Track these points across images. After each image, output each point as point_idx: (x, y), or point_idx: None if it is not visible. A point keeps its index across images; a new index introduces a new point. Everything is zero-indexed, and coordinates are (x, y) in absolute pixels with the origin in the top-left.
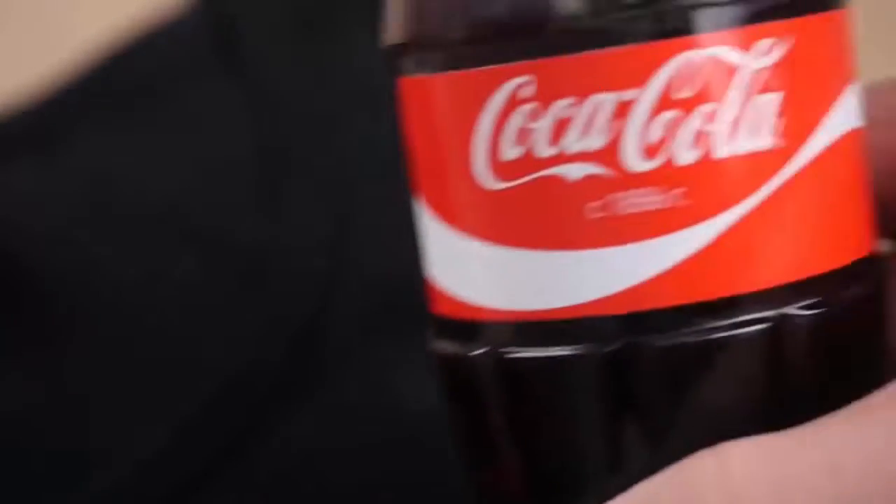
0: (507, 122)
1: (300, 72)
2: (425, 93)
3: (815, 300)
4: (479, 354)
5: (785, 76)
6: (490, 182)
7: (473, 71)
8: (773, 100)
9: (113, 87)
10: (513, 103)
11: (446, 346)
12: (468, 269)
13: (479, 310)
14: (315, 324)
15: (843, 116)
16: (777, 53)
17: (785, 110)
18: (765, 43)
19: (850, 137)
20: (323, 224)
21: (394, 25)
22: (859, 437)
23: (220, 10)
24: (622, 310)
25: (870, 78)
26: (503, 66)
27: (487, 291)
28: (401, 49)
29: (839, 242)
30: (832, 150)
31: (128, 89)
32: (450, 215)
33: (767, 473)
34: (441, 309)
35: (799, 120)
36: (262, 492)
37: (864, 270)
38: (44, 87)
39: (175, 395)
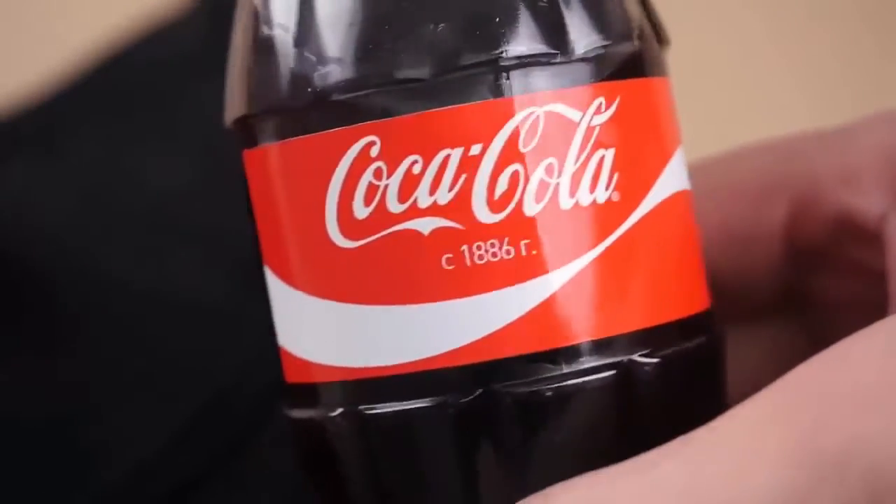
0: (357, 180)
1: None
2: (271, 162)
3: (658, 349)
4: (338, 414)
5: (617, 134)
6: (342, 241)
7: (322, 134)
8: (608, 156)
9: (113, 87)
10: (362, 162)
11: (302, 412)
12: (325, 331)
13: (336, 370)
14: None
15: (674, 177)
16: (609, 112)
17: (619, 166)
18: (598, 101)
19: (681, 197)
20: None
21: (237, 99)
22: (676, 470)
23: (222, 11)
24: (474, 360)
25: (870, 78)
26: (350, 127)
27: (346, 350)
28: (244, 121)
29: (679, 294)
30: (665, 208)
31: (128, 89)
32: (303, 280)
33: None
34: (295, 376)
35: (633, 176)
36: (262, 492)
37: (702, 323)
38: (44, 87)
39: (175, 395)
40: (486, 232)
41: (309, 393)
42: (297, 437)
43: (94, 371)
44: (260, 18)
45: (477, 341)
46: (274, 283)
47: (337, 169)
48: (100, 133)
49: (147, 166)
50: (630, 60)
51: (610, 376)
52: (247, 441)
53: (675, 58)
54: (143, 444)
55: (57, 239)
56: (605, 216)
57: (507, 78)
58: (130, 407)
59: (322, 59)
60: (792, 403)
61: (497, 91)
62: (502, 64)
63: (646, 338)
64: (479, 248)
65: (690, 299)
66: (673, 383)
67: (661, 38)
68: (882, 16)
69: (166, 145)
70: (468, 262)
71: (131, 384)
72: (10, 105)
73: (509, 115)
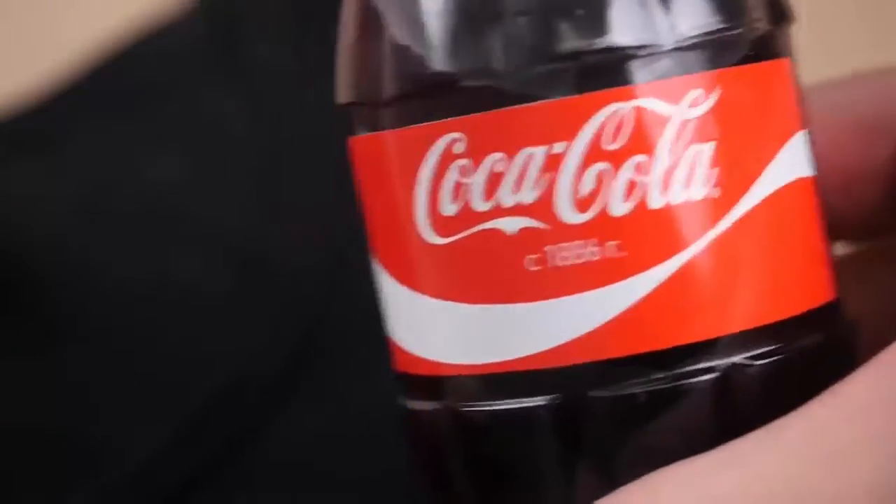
0: (443, 177)
1: (300, 71)
2: (370, 151)
3: (765, 350)
4: (437, 410)
5: (716, 126)
6: (432, 237)
7: (410, 129)
8: (705, 150)
9: (113, 87)
10: (447, 159)
11: (409, 403)
12: (420, 325)
13: (432, 365)
14: (316, 323)
15: (789, 165)
16: (707, 104)
17: (719, 160)
18: (693, 94)
19: (798, 186)
20: (323, 224)
21: (342, 86)
22: (772, 457)
23: (219, 10)
24: (563, 362)
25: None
26: (436, 123)
27: (439, 346)
28: (348, 109)
29: (789, 292)
30: (776, 200)
31: (128, 89)
32: (400, 272)
33: (691, 496)
34: (401, 366)
35: (736, 170)
36: (263, 491)
37: (818, 319)
38: (44, 87)
39: (175, 395)
40: (571, 233)
41: (409, 383)
42: (404, 425)
43: (94, 370)
44: (362, 5)
45: (564, 344)
46: (377, 271)
47: (424, 164)
48: (99, 132)
49: (146, 164)
50: (735, 46)
51: (707, 381)
52: (248, 440)
53: None
54: (143, 443)
55: (57, 239)
56: (702, 214)
57: (592, 73)
58: (131, 406)
59: (409, 53)
60: (893, 389)
61: (581, 87)
62: (586, 58)
63: (751, 339)
64: (564, 249)
65: (807, 294)
66: (781, 385)
67: (784, 15)
68: (882, 16)
69: (166, 144)
70: (553, 263)
71: (131, 383)
72: (11, 105)
73: (593, 111)
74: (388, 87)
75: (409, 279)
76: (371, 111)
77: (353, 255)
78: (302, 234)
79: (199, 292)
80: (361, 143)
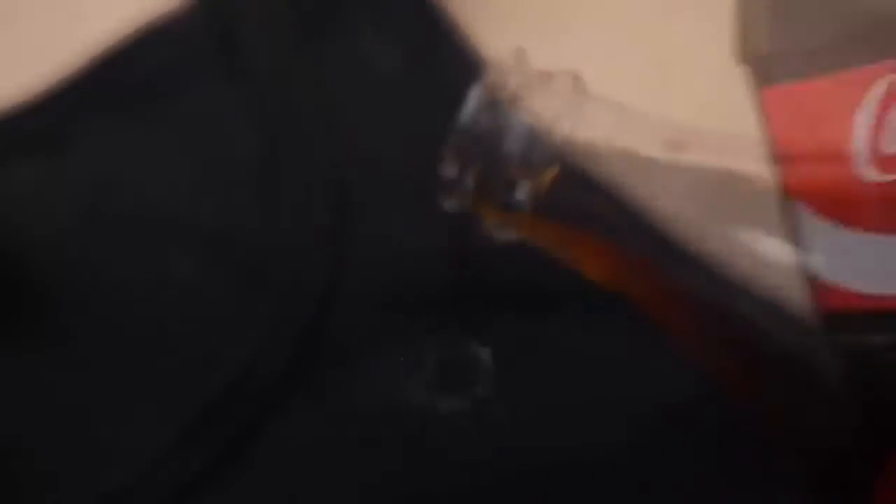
0: (886, 118)
1: (300, 70)
2: (796, 98)
3: None
4: (882, 344)
5: None
6: (874, 175)
7: (847, 73)
8: None
9: (113, 87)
10: (890, 99)
11: (851, 339)
12: (864, 262)
13: (879, 299)
14: (317, 323)
15: None
16: None
17: None
18: None
19: None
20: (323, 223)
21: (754, 36)
22: None
23: (219, 10)
24: None
25: None
26: (877, 65)
27: (879, 280)
28: (765, 60)
29: None
30: None
31: (128, 89)
32: (837, 212)
33: None
34: (840, 304)
35: None
36: (264, 492)
37: None
38: (45, 87)
39: (176, 396)
40: None
41: (848, 322)
42: (846, 361)
43: (95, 372)
44: None
45: None
46: (801, 217)
47: (864, 106)
48: (99, 132)
49: (146, 164)
50: None
51: None
52: (248, 442)
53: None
54: (143, 443)
55: (57, 238)
56: None
57: None
58: (131, 407)
59: None
60: None
61: None
62: None
63: None
64: None
65: None
66: None
67: None
68: None
69: (167, 145)
70: None
71: (132, 385)
72: (10, 105)
73: None
74: (823, 34)
75: (848, 218)
76: (799, 59)
77: (354, 254)
78: (302, 235)
79: (199, 292)
80: (784, 92)
